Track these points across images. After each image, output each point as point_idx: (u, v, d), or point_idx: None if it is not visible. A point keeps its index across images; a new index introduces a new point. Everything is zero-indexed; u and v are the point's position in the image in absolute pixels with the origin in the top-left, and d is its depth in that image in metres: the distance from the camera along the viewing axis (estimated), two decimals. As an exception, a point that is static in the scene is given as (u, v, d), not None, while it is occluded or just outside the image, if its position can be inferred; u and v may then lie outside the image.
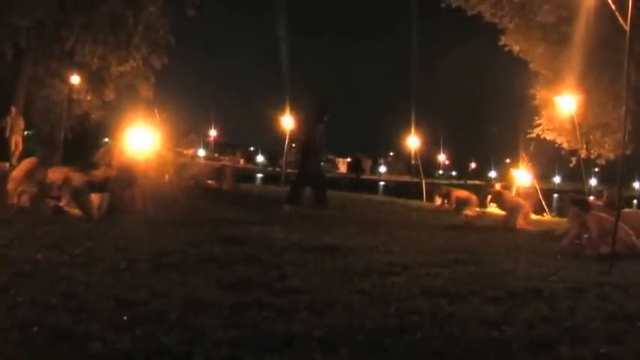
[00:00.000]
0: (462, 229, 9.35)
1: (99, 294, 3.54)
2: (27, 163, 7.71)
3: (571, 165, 19.97)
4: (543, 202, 15.84)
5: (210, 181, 15.25)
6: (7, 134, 17.70)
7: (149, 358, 2.63)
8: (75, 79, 23.26)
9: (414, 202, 17.57)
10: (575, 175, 21.36)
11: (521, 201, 11.12)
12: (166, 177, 15.34)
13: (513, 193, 14.17)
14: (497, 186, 16.00)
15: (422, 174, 23.25)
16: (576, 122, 16.70)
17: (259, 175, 58.43)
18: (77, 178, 7.40)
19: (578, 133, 17.13)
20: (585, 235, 7.55)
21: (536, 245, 7.76)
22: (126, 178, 8.56)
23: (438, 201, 15.04)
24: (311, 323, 3.27)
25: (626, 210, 8.92)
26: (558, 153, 20.77)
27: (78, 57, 22.41)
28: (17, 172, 7.58)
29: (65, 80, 23.40)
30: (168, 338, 2.86)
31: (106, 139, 26.69)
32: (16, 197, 7.28)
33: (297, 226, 7.76)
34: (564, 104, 16.29)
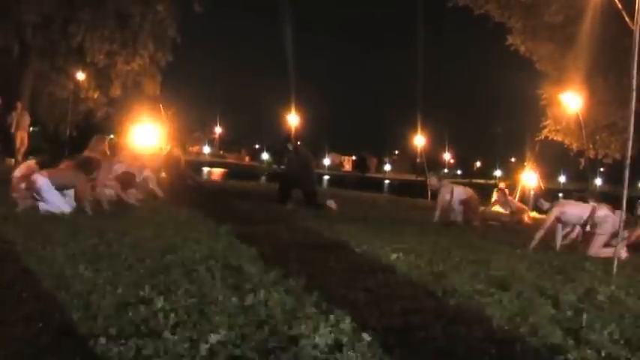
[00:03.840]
0: (466, 228, 9.33)
1: (104, 291, 3.55)
2: (25, 166, 7.82)
3: (580, 167, 19.91)
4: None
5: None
6: (12, 130, 17.69)
7: (153, 356, 2.63)
8: (81, 76, 23.31)
9: (418, 201, 17.53)
10: (581, 174, 21.29)
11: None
12: (172, 175, 15.30)
13: (518, 194, 14.13)
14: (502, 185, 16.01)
15: (427, 173, 23.23)
16: (582, 122, 16.64)
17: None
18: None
19: (584, 133, 17.06)
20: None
21: (543, 245, 7.72)
22: (129, 175, 8.61)
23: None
24: (316, 322, 3.26)
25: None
26: (565, 153, 20.71)
27: (85, 54, 22.45)
28: (16, 174, 7.67)
29: (71, 76, 23.45)
30: (172, 336, 2.86)
31: (112, 136, 26.73)
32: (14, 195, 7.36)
33: (301, 224, 7.75)
34: (570, 103, 16.21)
